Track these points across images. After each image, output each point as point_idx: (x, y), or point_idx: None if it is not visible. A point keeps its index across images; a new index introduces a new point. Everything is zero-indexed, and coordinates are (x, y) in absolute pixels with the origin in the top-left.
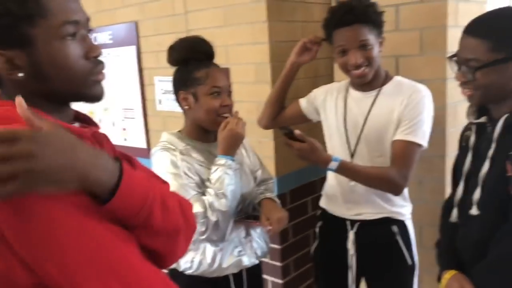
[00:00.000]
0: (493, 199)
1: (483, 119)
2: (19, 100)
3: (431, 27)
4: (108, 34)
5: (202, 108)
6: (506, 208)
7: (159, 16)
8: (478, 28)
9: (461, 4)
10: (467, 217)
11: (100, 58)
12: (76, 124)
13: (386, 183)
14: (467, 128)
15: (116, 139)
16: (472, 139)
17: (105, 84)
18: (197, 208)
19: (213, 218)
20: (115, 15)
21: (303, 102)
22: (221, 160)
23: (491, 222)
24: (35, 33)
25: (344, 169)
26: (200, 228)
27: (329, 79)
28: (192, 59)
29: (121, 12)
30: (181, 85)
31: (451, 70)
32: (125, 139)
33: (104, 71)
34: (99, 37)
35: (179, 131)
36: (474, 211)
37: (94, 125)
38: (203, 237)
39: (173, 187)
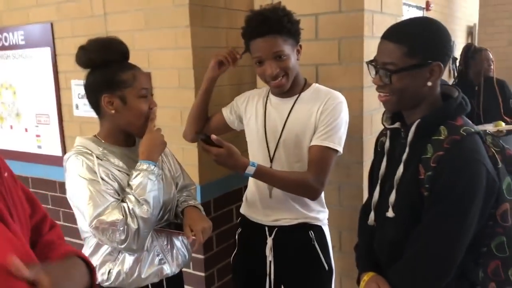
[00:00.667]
0: (407, 201)
1: (397, 125)
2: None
3: (349, 37)
4: (20, 35)
5: (131, 112)
6: (420, 209)
7: (76, 17)
8: (395, 33)
9: (376, 16)
10: (384, 219)
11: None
12: None
13: (303, 188)
14: (382, 134)
15: (29, 147)
16: (387, 144)
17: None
18: (116, 215)
19: (134, 225)
20: (29, 14)
21: (226, 112)
22: (143, 165)
23: (406, 223)
24: None
25: (262, 174)
26: (120, 236)
27: (253, 86)
28: (111, 61)
29: (35, 11)
30: (104, 87)
31: (370, 74)
32: (39, 147)
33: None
34: (10, 38)
35: (95, 135)
36: (390, 213)
37: None
38: (123, 246)
39: (89, 193)
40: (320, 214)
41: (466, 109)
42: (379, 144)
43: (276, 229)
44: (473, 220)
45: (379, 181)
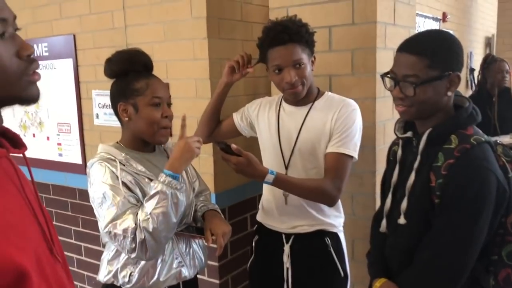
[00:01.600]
0: (418, 208)
1: (409, 134)
2: None
3: (362, 49)
4: (44, 46)
5: (142, 119)
6: (431, 216)
7: (98, 29)
8: (414, 46)
9: (389, 27)
10: (395, 226)
11: (33, 56)
12: None
13: (321, 194)
14: (394, 143)
15: (51, 154)
16: (399, 153)
17: (40, 85)
18: (128, 223)
19: (140, 236)
20: (52, 27)
21: (236, 118)
22: (162, 177)
23: (418, 230)
24: None
25: (280, 182)
26: (130, 244)
27: (268, 96)
28: (131, 71)
29: (58, 24)
30: (120, 96)
31: (385, 87)
32: (60, 154)
33: (39, 70)
34: (35, 49)
35: (117, 142)
36: (401, 220)
37: (19, 147)
38: (133, 255)
39: (110, 199)
40: (336, 220)
41: (476, 119)
42: (391, 153)
43: (293, 236)
44: (483, 228)
45: (391, 189)
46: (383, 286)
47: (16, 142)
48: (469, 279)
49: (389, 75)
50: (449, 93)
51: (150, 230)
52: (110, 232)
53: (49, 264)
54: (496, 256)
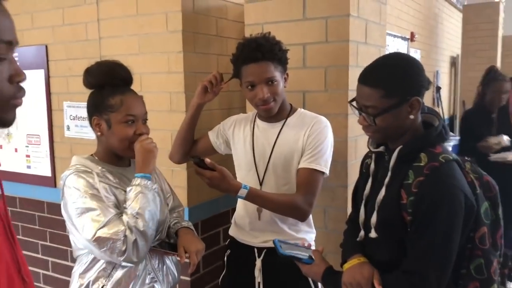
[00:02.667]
0: (389, 224)
1: (381, 149)
2: None
3: (335, 66)
4: (15, 56)
5: (114, 135)
6: (401, 231)
7: (71, 40)
8: (369, 78)
9: (361, 46)
10: (368, 239)
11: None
12: None
13: (293, 209)
14: (367, 156)
15: (19, 167)
16: (372, 166)
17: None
18: (117, 226)
19: (132, 237)
20: (23, 36)
21: (212, 136)
22: (136, 180)
23: (389, 245)
24: None
25: (253, 196)
26: (120, 247)
27: (242, 110)
28: (108, 84)
29: (30, 33)
30: (94, 110)
31: (353, 112)
32: (29, 167)
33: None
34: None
35: (91, 155)
36: (372, 234)
37: None
38: (123, 257)
39: (91, 208)
40: (307, 235)
41: (445, 138)
42: (364, 166)
43: (265, 250)
44: (456, 244)
45: (363, 201)
46: (363, 264)
47: None
48: None
49: (353, 104)
50: (411, 116)
51: (141, 228)
52: (99, 239)
53: (18, 285)
54: (464, 270)
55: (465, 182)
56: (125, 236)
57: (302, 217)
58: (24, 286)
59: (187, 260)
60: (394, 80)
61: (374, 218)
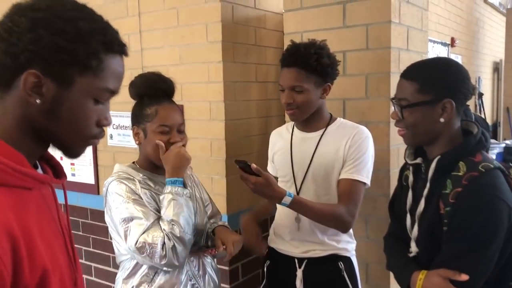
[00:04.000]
0: (430, 237)
1: (418, 160)
2: None
3: (376, 73)
4: None
5: (149, 145)
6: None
7: None
8: (409, 72)
9: (402, 52)
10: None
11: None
12: (39, 170)
13: (335, 220)
14: (405, 167)
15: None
16: (411, 178)
17: None
18: (156, 232)
19: (170, 243)
20: None
21: (270, 168)
22: (167, 188)
23: (430, 258)
24: (79, 81)
25: (297, 204)
26: (160, 252)
27: (281, 118)
28: (147, 95)
29: None
30: (134, 120)
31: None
32: (73, 174)
33: None
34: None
35: (133, 162)
36: (413, 248)
37: (60, 176)
38: (163, 262)
39: (134, 214)
40: (348, 245)
41: (485, 145)
42: (403, 178)
43: (306, 260)
44: (492, 258)
45: (408, 214)
46: (430, 274)
47: (57, 171)
48: None
49: (392, 99)
50: (442, 120)
51: (178, 235)
52: (139, 244)
53: None
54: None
55: (509, 191)
56: (164, 242)
57: (345, 229)
58: None
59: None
60: (431, 77)
61: (415, 231)
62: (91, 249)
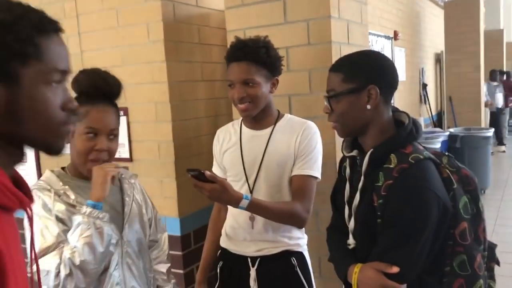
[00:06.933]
0: (365, 230)
1: (354, 153)
2: None
3: (318, 68)
4: None
5: (73, 147)
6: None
7: None
8: (336, 64)
9: (344, 47)
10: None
11: (74, 109)
12: None
13: (292, 217)
14: (343, 160)
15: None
16: (347, 171)
17: None
18: (53, 258)
19: (64, 271)
20: None
21: (217, 171)
22: (83, 208)
23: (367, 250)
24: (24, 73)
25: (254, 206)
26: (54, 281)
27: (229, 117)
28: (85, 94)
29: None
30: None
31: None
32: None
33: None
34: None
35: (63, 167)
36: (351, 240)
37: (27, 196)
38: None
39: (40, 232)
40: (300, 240)
41: (416, 136)
42: (342, 169)
43: (259, 259)
44: (423, 248)
45: (346, 206)
46: (364, 267)
47: (26, 193)
48: None
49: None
50: (368, 107)
51: (77, 263)
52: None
53: None
54: (448, 267)
55: (439, 181)
56: (59, 270)
57: (301, 224)
58: None
59: None
60: (354, 65)
61: (352, 224)
62: None
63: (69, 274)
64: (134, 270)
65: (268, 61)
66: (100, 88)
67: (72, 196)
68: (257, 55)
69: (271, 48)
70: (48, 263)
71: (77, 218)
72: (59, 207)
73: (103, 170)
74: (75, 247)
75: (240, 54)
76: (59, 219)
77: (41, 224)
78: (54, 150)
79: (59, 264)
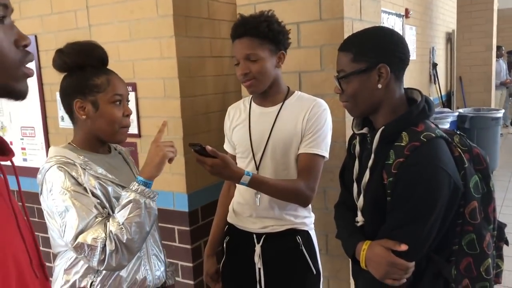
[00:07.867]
0: (374, 207)
1: (364, 130)
2: None
3: (330, 44)
4: None
5: (103, 118)
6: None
7: (60, 29)
8: (344, 44)
9: (356, 23)
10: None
11: (28, 49)
12: None
13: (296, 195)
14: (353, 137)
15: (15, 160)
16: (357, 149)
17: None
18: (97, 233)
19: (111, 247)
20: None
21: (228, 148)
22: (134, 185)
23: (376, 228)
24: None
25: (256, 183)
26: (99, 256)
27: (238, 94)
28: (87, 65)
29: (18, 24)
30: (76, 92)
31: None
32: (25, 159)
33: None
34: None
35: (69, 143)
36: (359, 218)
37: (6, 153)
38: (101, 267)
39: (74, 207)
40: (306, 219)
41: (428, 114)
42: (351, 147)
43: (264, 236)
44: (433, 227)
45: (355, 184)
46: (372, 245)
47: (3, 148)
48: (431, 273)
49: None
50: (379, 86)
51: (124, 241)
52: (77, 244)
53: (30, 278)
54: (456, 246)
55: (450, 160)
56: (104, 245)
57: (305, 203)
58: (35, 280)
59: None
60: (364, 45)
61: (361, 201)
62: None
63: (115, 251)
64: (153, 238)
65: (270, 34)
66: (99, 55)
67: (97, 169)
68: (257, 30)
69: (273, 22)
70: (91, 239)
71: (129, 195)
72: (88, 180)
73: (163, 151)
74: (123, 224)
75: (241, 30)
76: (91, 193)
77: (73, 200)
78: (19, 93)
79: (105, 239)
